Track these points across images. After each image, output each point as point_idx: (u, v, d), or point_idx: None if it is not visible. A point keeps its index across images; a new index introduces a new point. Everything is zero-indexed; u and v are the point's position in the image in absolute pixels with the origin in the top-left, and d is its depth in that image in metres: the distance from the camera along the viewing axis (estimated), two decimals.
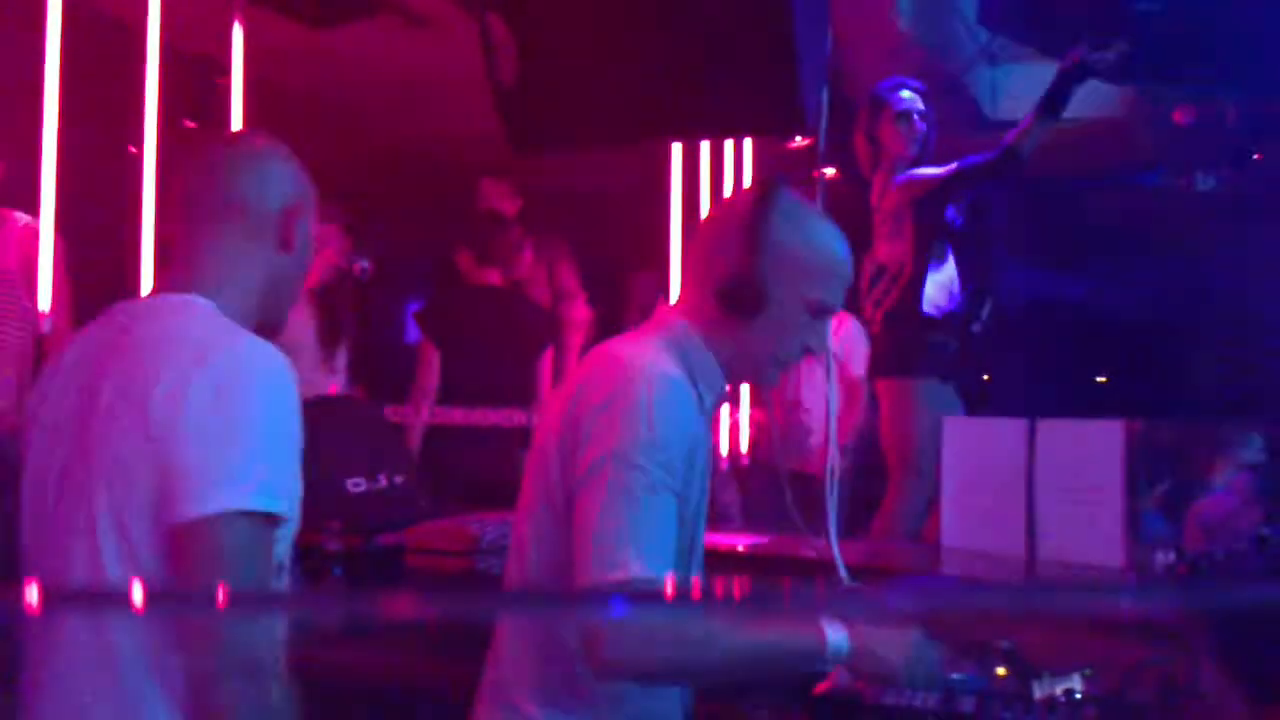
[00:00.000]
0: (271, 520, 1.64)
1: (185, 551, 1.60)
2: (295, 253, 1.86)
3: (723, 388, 1.98)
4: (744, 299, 1.88)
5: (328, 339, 4.66)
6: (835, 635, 1.78)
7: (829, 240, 1.95)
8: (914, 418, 4.05)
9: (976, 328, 4.15)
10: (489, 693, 1.96)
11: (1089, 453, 2.92)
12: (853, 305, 4.38)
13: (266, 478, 1.63)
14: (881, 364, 4.24)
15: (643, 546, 1.68)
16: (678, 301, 2.00)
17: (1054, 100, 3.88)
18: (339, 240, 4.64)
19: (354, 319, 4.88)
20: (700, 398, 1.90)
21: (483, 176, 5.29)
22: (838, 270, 1.96)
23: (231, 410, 1.63)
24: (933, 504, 3.89)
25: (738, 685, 2.04)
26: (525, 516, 1.93)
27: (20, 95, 3.73)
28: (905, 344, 4.12)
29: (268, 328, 1.83)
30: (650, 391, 1.77)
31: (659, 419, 1.75)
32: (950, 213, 4.13)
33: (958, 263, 4.16)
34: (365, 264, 4.67)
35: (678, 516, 1.77)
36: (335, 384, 4.73)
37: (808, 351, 1.98)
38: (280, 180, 1.84)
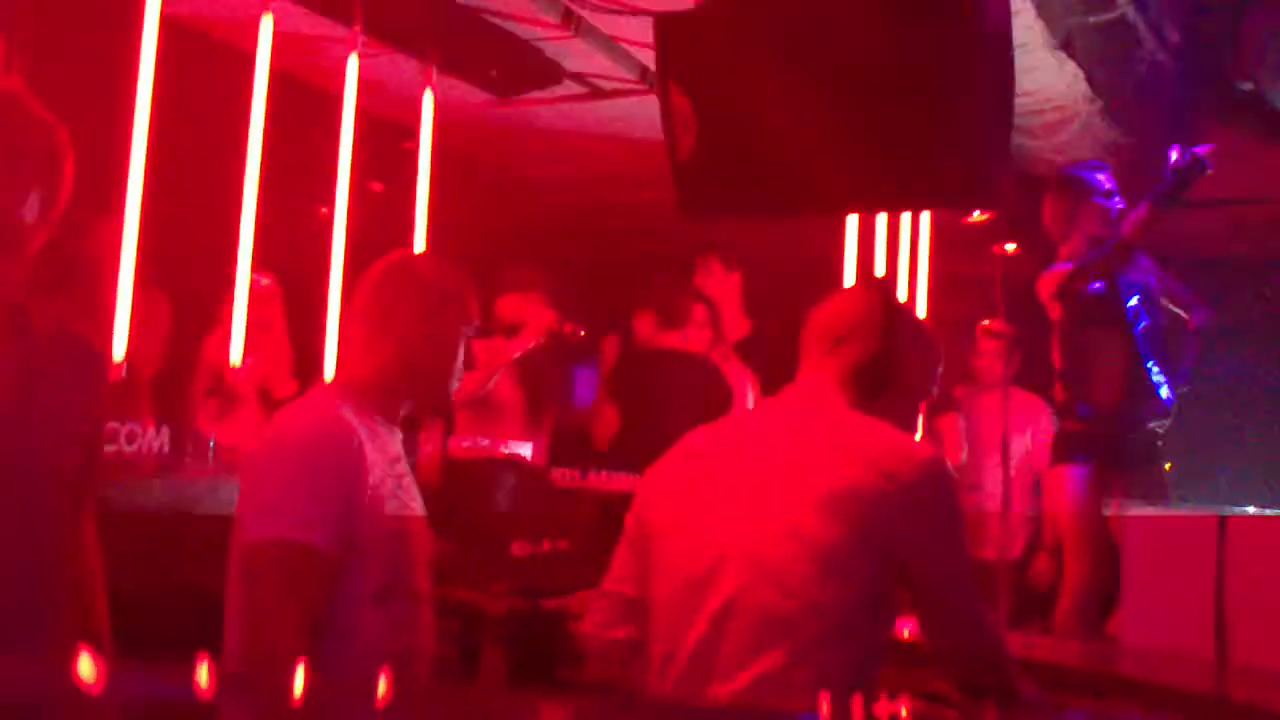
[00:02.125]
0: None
1: None
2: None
3: None
4: (877, 379, 2.09)
5: (531, 403, 4.74)
6: None
7: (932, 334, 2.24)
8: (1068, 503, 4.01)
9: (1154, 425, 4.06)
10: None
11: None
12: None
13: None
14: (1063, 450, 4.19)
15: None
16: (799, 382, 2.17)
17: (1172, 195, 3.88)
18: (544, 306, 4.72)
19: (560, 383, 4.96)
20: None
21: (669, 243, 5.32)
22: (939, 361, 2.22)
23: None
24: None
25: None
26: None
27: (224, 158, 3.91)
28: (1061, 434, 4.15)
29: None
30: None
31: None
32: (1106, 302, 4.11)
33: (1143, 353, 4.08)
34: (579, 329, 4.74)
35: None
36: (539, 447, 4.78)
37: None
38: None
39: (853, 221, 4.77)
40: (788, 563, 1.93)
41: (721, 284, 5.13)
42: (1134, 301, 4.11)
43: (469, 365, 4.64)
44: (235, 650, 1.98)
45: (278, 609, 1.90)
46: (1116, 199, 4.18)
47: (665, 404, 4.73)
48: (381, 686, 1.94)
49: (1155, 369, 4.08)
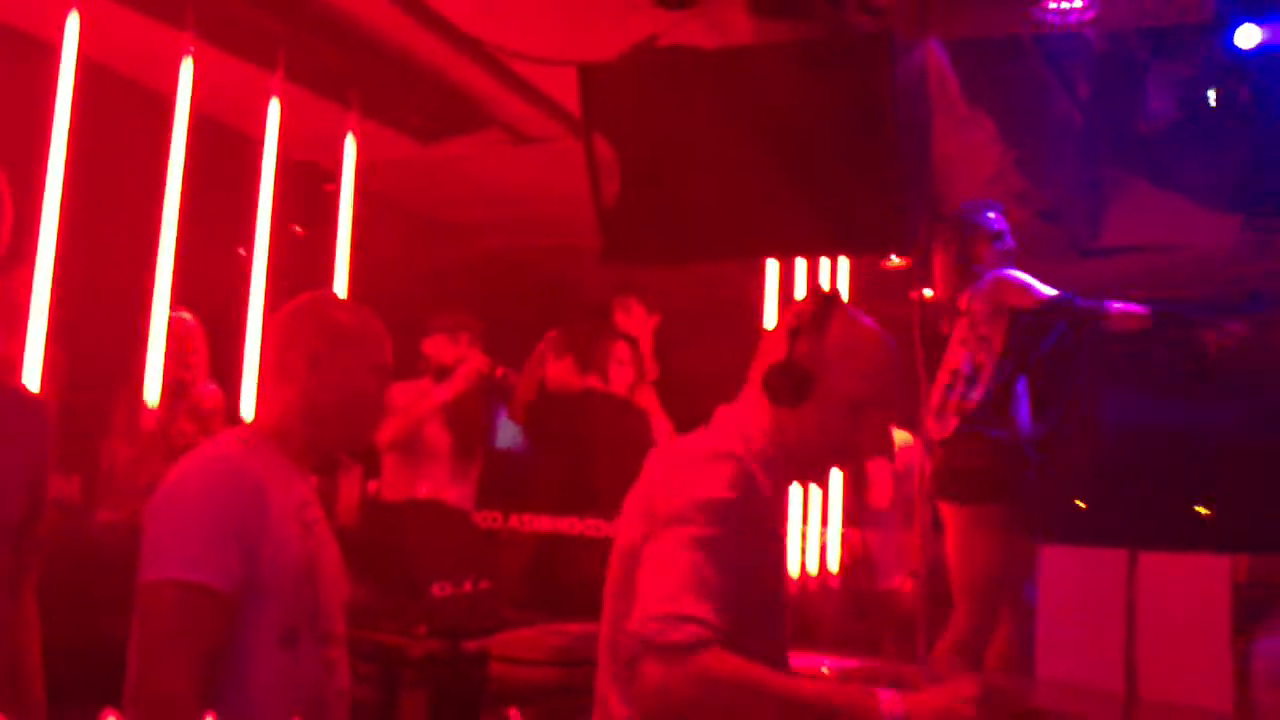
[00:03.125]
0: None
1: None
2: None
3: (784, 471, 2.10)
4: (785, 385, 2.02)
5: (459, 447, 4.71)
6: (891, 702, 1.80)
7: (875, 342, 2.08)
8: (982, 545, 3.97)
9: (1058, 451, 4.11)
10: None
11: (1193, 588, 2.83)
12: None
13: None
14: (950, 485, 4.15)
15: (697, 589, 1.80)
16: (736, 401, 2.13)
17: (1167, 321, 3.97)
18: (472, 349, 4.70)
19: (487, 427, 4.93)
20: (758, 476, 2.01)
21: (586, 288, 5.35)
22: (882, 370, 2.07)
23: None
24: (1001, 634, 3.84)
25: None
26: (611, 623, 1.98)
27: (143, 202, 3.87)
28: (975, 467, 4.04)
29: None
30: (705, 466, 1.94)
31: (713, 485, 1.90)
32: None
33: (1041, 385, 4.12)
34: (509, 373, 4.72)
35: (739, 565, 1.87)
36: (468, 494, 4.75)
37: (872, 450, 2.14)
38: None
39: (773, 265, 4.85)
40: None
41: (640, 325, 5.16)
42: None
43: (387, 408, 4.63)
44: (130, 694, 1.95)
45: (168, 650, 1.89)
46: (1007, 239, 4.23)
47: (590, 446, 4.74)
48: None
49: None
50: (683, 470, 1.95)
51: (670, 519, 1.88)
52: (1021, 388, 4.07)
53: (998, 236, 4.20)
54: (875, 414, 2.07)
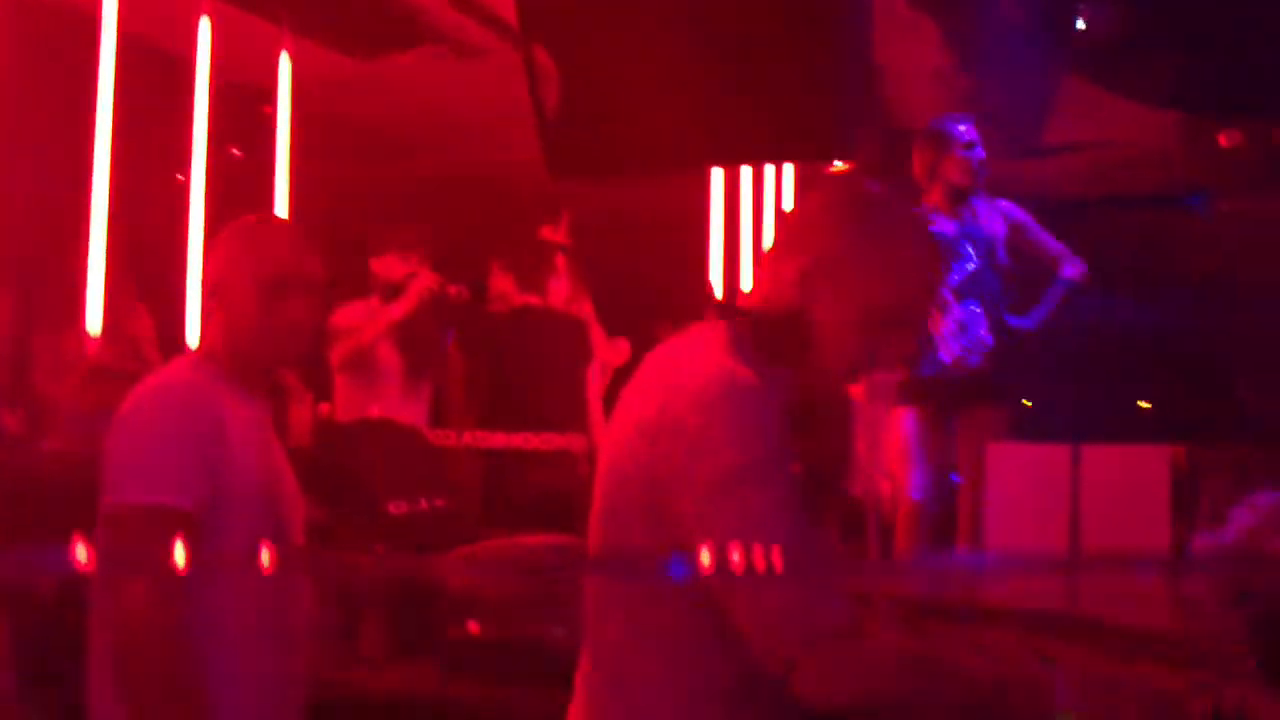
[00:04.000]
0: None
1: None
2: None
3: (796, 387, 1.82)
4: (813, 291, 1.74)
5: (411, 366, 4.69)
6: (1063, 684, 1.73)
7: (922, 240, 1.84)
8: (899, 443, 4.23)
9: (974, 363, 4.27)
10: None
11: (1135, 479, 2.89)
12: None
13: None
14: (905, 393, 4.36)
15: (805, 564, 1.65)
16: (727, 310, 1.86)
17: None
18: (422, 267, 4.65)
19: (442, 348, 4.90)
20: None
21: (528, 203, 5.31)
22: (926, 276, 1.83)
23: None
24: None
25: None
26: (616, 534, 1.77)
27: (73, 126, 3.79)
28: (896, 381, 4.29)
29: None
30: (740, 408, 1.66)
31: (757, 430, 1.66)
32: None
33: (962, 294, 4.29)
34: (462, 290, 4.67)
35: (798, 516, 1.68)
36: (421, 412, 4.75)
37: (895, 359, 1.88)
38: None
39: (717, 174, 4.84)
40: None
41: (572, 237, 5.16)
42: (969, 246, 4.30)
43: (330, 328, 4.59)
44: (101, 618, 1.98)
45: (136, 572, 1.91)
46: (978, 149, 4.34)
47: (533, 362, 4.76)
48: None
49: (974, 308, 4.27)
50: (713, 414, 1.65)
51: (723, 485, 1.62)
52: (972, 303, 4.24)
53: (967, 147, 4.30)
54: (908, 328, 1.85)
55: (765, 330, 1.76)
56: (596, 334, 5.01)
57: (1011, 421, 4.28)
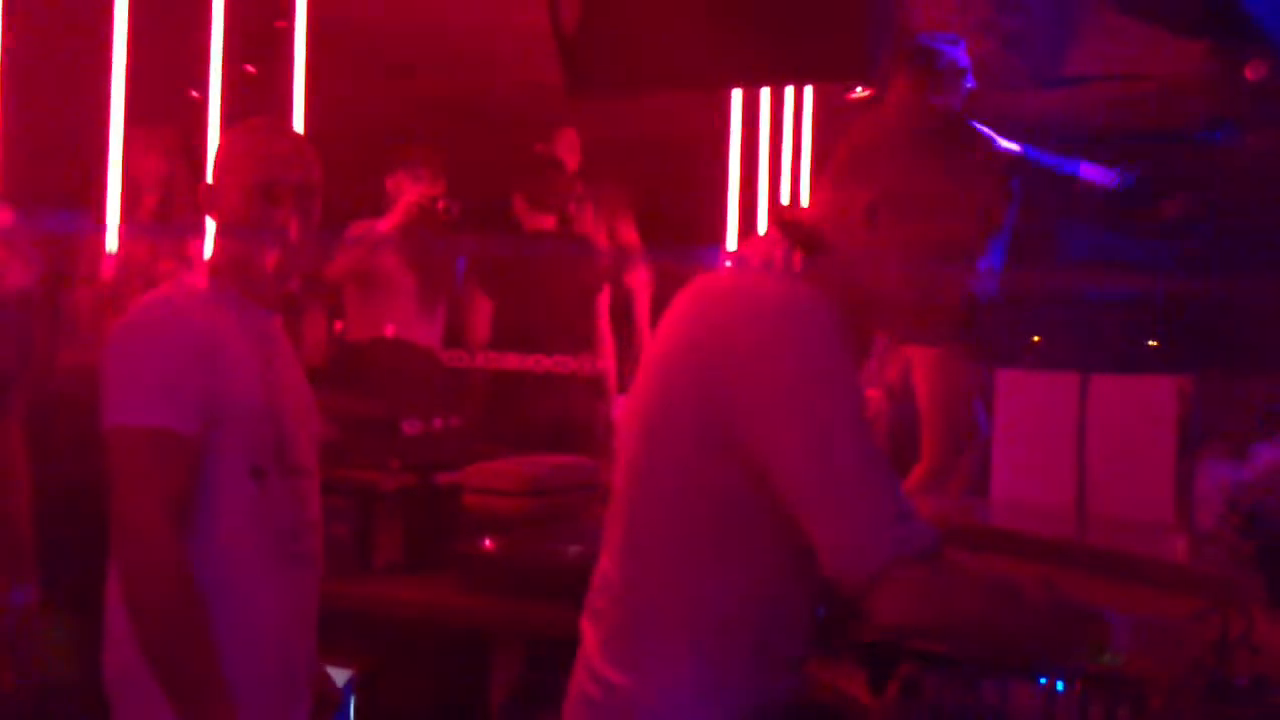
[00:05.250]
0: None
1: None
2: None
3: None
4: (869, 224, 1.69)
5: (424, 284, 4.72)
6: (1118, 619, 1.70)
7: (978, 177, 1.76)
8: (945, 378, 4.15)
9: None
10: (613, 639, 1.77)
11: (1141, 409, 2.91)
12: None
13: None
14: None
15: (889, 478, 1.60)
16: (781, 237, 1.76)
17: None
18: (411, 183, 4.66)
19: (454, 269, 4.91)
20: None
21: (549, 127, 5.30)
22: (978, 211, 1.74)
23: None
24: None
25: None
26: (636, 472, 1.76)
27: (88, 41, 3.78)
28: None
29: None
30: (808, 325, 1.62)
31: (825, 346, 1.62)
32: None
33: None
34: (449, 204, 4.66)
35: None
36: (435, 332, 4.77)
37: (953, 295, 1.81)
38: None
39: (736, 98, 4.81)
40: None
41: (571, 157, 5.14)
42: None
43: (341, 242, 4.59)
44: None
45: (137, 493, 1.92)
46: (969, 78, 4.19)
47: (540, 287, 4.78)
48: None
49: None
50: (771, 324, 1.62)
51: (790, 400, 1.58)
52: None
53: (960, 73, 4.16)
54: (969, 263, 1.78)
55: (829, 259, 1.71)
56: (635, 258, 5.01)
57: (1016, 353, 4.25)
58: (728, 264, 1.83)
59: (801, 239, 1.72)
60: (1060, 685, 1.78)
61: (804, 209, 1.83)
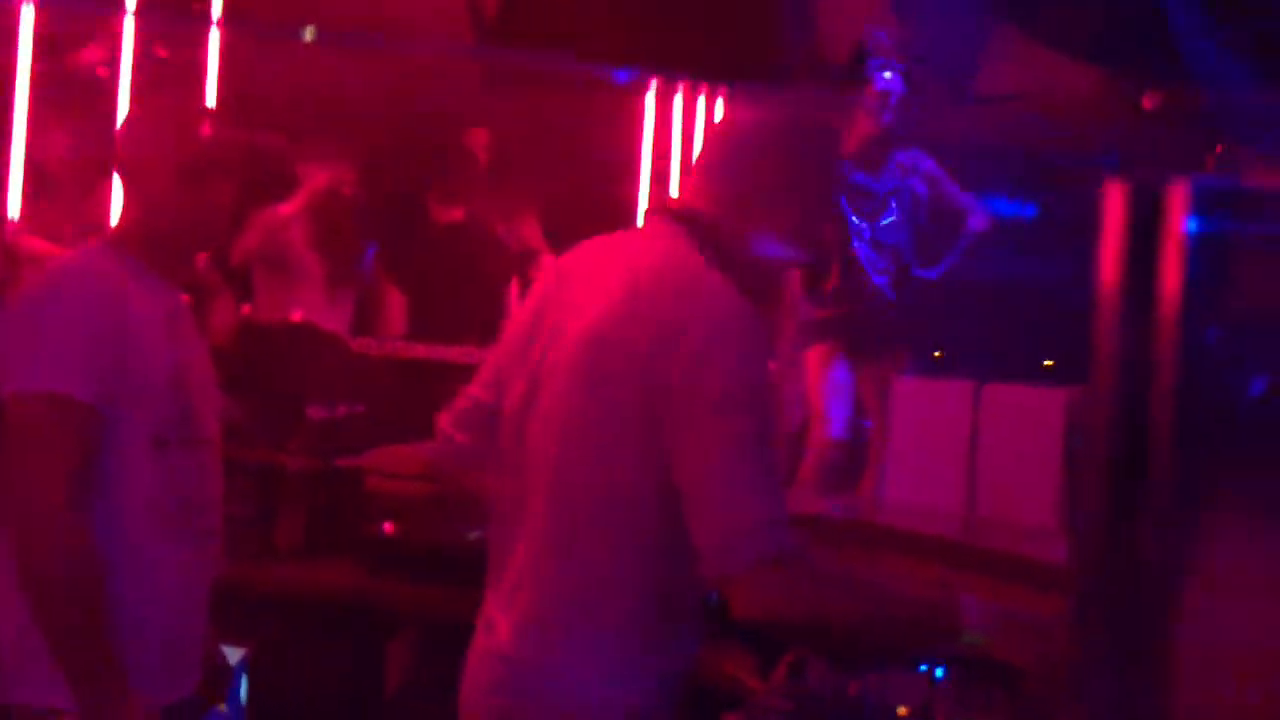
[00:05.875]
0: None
1: None
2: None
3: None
4: (740, 212, 1.87)
5: (332, 270, 4.71)
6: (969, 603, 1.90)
7: (835, 174, 2.08)
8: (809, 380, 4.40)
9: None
10: (533, 624, 1.85)
11: (1031, 417, 3.01)
12: None
13: None
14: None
15: (775, 489, 1.78)
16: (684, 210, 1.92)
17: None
18: (320, 169, 4.66)
19: (364, 256, 4.91)
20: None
21: (463, 124, 5.32)
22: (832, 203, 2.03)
23: None
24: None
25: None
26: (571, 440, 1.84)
27: None
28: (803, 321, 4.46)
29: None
30: (743, 334, 1.78)
31: (757, 361, 1.82)
32: None
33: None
34: (354, 189, 4.68)
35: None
36: (343, 318, 4.75)
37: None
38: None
39: (650, 104, 4.86)
40: None
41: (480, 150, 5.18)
42: (891, 200, 4.38)
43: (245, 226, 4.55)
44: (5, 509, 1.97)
45: (35, 461, 1.90)
46: (891, 100, 4.35)
47: (454, 277, 4.80)
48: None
49: (879, 258, 4.38)
50: (725, 333, 1.77)
51: (718, 404, 1.73)
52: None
53: (882, 96, 4.30)
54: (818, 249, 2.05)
55: (715, 243, 1.86)
56: (538, 255, 5.05)
57: (914, 364, 4.42)
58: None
59: (700, 229, 1.86)
60: (940, 672, 1.88)
61: (686, 199, 1.95)
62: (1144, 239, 1.10)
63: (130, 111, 2.16)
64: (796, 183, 1.90)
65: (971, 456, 3.02)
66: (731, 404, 1.73)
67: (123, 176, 2.14)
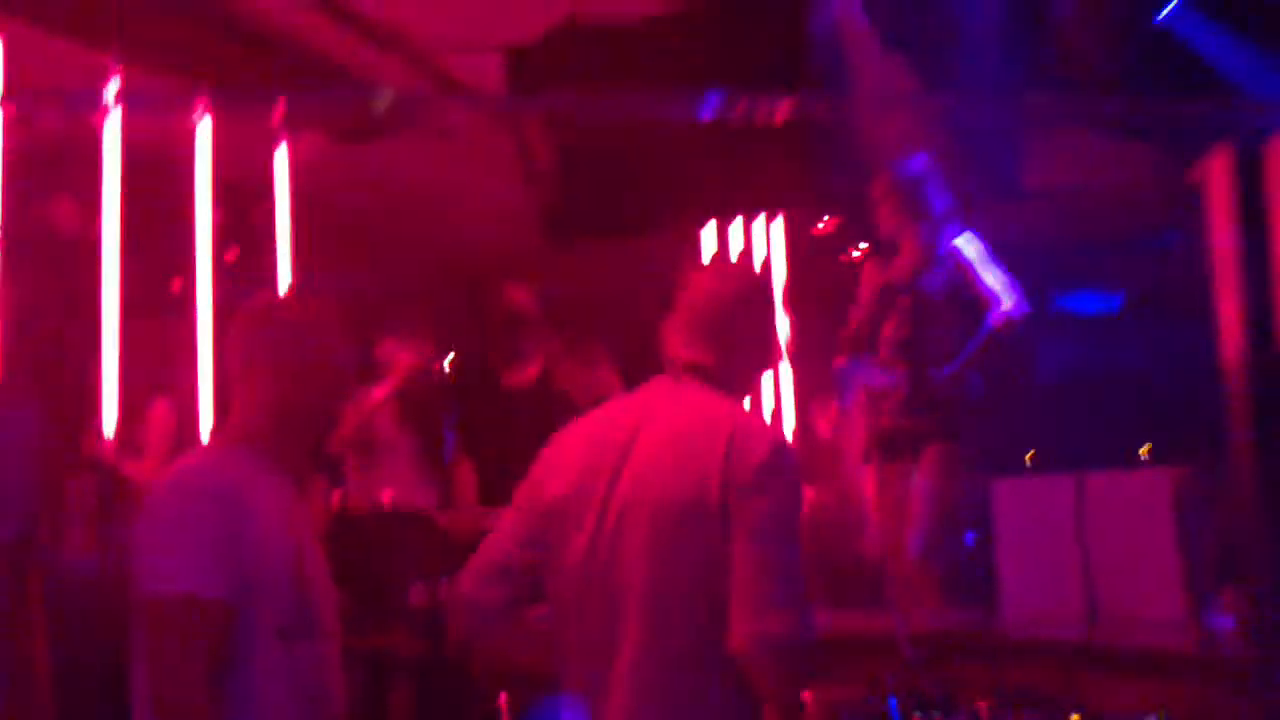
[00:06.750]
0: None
1: None
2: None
3: None
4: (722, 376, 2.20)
5: (423, 446, 4.76)
6: None
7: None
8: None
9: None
10: None
11: (1139, 504, 2.94)
12: None
13: None
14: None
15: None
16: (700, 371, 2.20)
17: None
18: (402, 348, 4.74)
19: (447, 428, 4.95)
20: None
21: (506, 283, 5.40)
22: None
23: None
24: None
25: None
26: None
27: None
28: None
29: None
30: (791, 467, 2.07)
31: (799, 488, 2.10)
32: None
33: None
34: (443, 366, 4.75)
35: None
36: (432, 495, 4.77)
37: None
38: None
39: (709, 240, 4.92)
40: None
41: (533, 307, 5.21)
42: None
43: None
44: (144, 711, 1.99)
45: (176, 665, 1.92)
46: (900, 203, 4.24)
47: (521, 442, 4.78)
48: None
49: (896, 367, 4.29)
50: (777, 470, 2.04)
51: (775, 519, 2.00)
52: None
53: (887, 193, 4.26)
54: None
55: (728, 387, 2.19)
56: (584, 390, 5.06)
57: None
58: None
59: (713, 379, 2.19)
60: None
61: (697, 355, 2.24)
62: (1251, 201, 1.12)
63: (245, 313, 2.21)
64: (767, 332, 2.27)
65: (1084, 551, 2.94)
66: (790, 520, 2.02)
67: (233, 374, 2.18)
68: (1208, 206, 2.96)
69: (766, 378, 4.61)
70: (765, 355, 2.32)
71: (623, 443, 2.12)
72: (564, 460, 2.20)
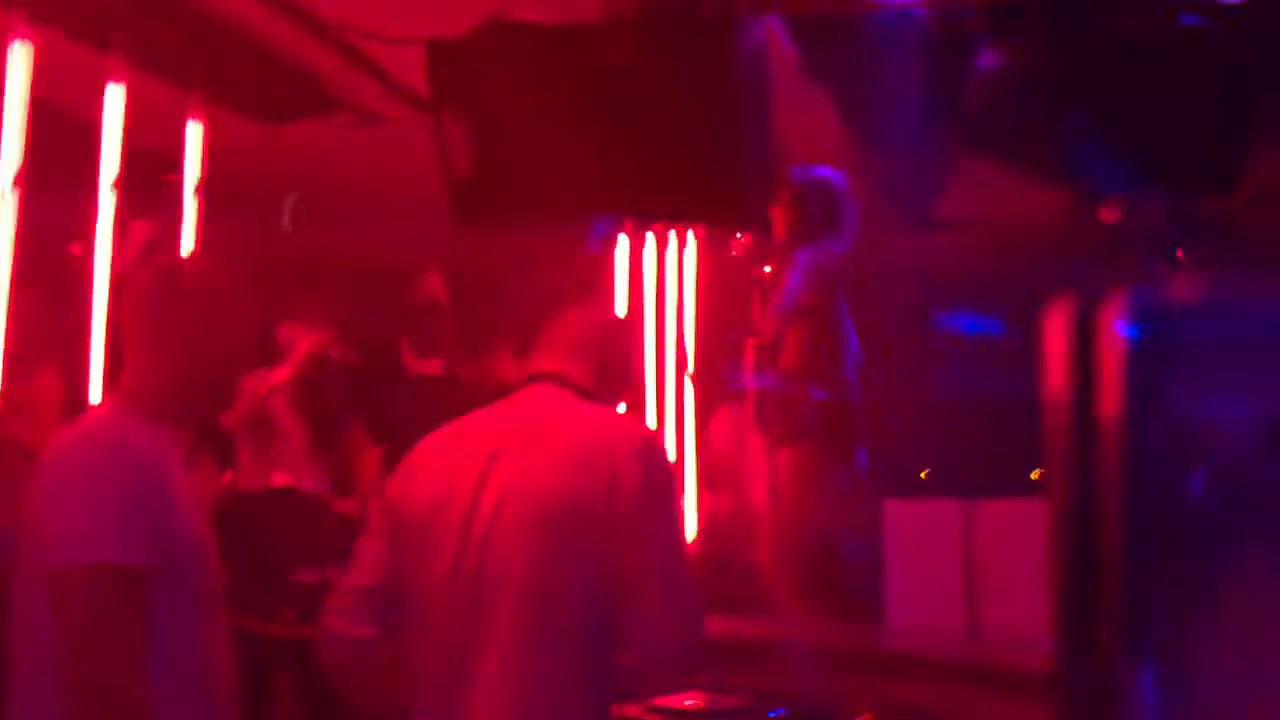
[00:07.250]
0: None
1: None
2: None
3: None
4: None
5: (316, 432, 4.68)
6: None
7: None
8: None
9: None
10: None
11: (1027, 532, 3.00)
12: None
13: None
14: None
15: None
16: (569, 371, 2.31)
17: None
18: (305, 332, 4.67)
19: (344, 415, 4.88)
20: None
21: (419, 271, 5.35)
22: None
23: None
24: None
25: None
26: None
27: None
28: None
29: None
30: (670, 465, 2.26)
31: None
32: None
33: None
34: (350, 352, 4.69)
35: None
36: (325, 480, 4.71)
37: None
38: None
39: (623, 251, 4.94)
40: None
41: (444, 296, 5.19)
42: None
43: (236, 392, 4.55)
44: (47, 682, 1.90)
45: (95, 637, 1.85)
46: (851, 214, 4.36)
47: (424, 434, 4.75)
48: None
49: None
50: (661, 477, 2.15)
51: (663, 527, 2.11)
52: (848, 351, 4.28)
53: (844, 211, 4.32)
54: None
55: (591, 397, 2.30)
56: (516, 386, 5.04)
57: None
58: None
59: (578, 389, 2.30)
60: None
61: (574, 369, 2.33)
62: (1084, 348, 1.15)
63: (130, 278, 2.17)
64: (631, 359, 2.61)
65: (969, 576, 3.00)
66: (676, 521, 2.19)
67: (131, 337, 2.12)
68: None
69: (668, 388, 4.67)
70: (629, 382, 2.51)
71: (490, 452, 2.13)
72: (422, 474, 2.19)
